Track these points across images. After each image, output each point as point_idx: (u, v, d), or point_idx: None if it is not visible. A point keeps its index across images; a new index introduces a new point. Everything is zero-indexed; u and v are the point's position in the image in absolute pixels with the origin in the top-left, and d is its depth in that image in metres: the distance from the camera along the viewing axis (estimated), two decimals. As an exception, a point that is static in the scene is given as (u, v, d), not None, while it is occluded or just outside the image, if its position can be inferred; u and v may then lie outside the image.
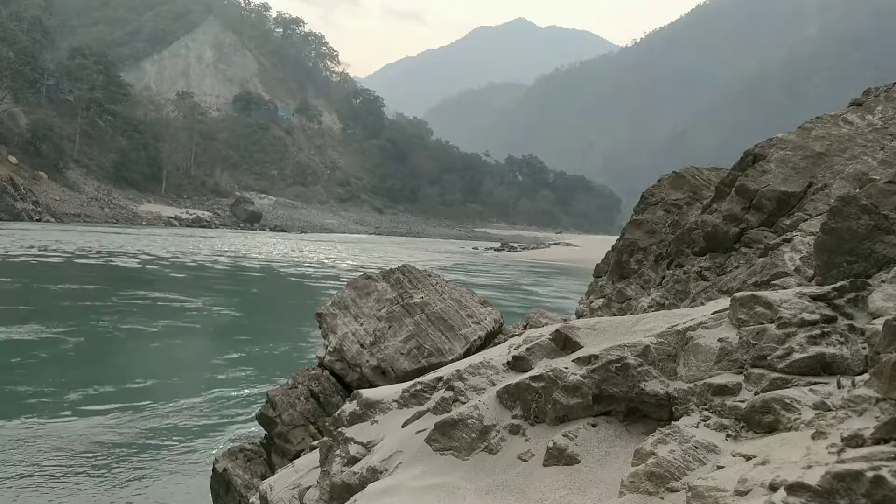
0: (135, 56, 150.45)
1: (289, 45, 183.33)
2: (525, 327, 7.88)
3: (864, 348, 3.06)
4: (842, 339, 3.13)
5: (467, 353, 6.96)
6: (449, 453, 3.80)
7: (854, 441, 2.25)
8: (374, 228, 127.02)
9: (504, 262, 64.55)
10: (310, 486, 4.86)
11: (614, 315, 6.64)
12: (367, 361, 7.38)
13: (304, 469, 5.37)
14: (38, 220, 73.47)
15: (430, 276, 8.14)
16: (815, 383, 2.97)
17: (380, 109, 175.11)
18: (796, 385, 2.99)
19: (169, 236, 68.58)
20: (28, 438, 11.27)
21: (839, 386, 2.86)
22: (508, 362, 4.34)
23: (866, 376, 2.69)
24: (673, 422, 3.17)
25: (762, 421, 2.84)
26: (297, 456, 6.68)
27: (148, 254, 46.85)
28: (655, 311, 5.74)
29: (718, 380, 3.27)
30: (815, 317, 3.22)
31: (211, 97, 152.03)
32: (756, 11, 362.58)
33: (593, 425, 3.54)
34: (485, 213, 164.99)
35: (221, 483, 7.49)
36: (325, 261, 53.26)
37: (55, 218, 78.04)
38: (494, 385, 4.16)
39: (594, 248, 42.76)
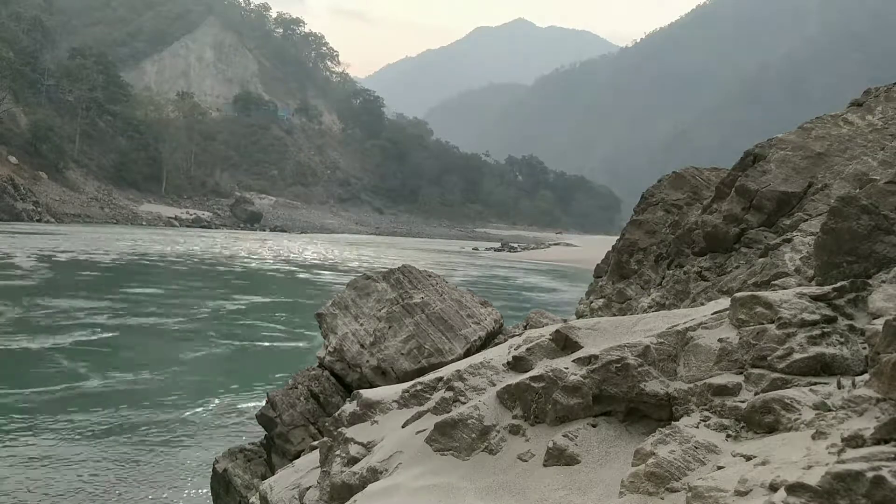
0: (135, 56, 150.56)
1: (289, 45, 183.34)
2: (525, 327, 7.87)
3: (864, 348, 3.06)
4: (842, 340, 3.13)
5: (467, 354, 6.96)
6: (449, 453, 3.80)
7: (854, 441, 2.25)
8: (374, 229, 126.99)
9: (504, 263, 64.53)
10: (310, 487, 4.86)
11: (614, 315, 6.64)
12: (368, 362, 7.38)
13: (304, 469, 5.37)
14: (38, 221, 73.45)
15: (430, 276, 8.14)
16: (816, 383, 2.96)
17: (380, 109, 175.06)
18: (796, 385, 2.99)
19: (168, 236, 68.57)
20: (28, 438, 11.28)
21: (839, 386, 2.86)
22: (508, 362, 4.33)
23: (866, 376, 2.68)
24: (673, 422, 3.17)
25: (762, 421, 2.84)
26: (297, 456, 6.68)
27: (146, 253, 46.85)
28: (655, 311, 5.74)
29: (718, 380, 3.27)
30: (816, 317, 3.22)
31: (211, 97, 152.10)
32: (756, 11, 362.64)
33: (593, 425, 3.54)
34: (485, 213, 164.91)
35: (221, 483, 7.49)
36: (325, 261, 53.26)
37: (55, 218, 78.01)
38: (494, 385, 4.15)
39: (594, 248, 42.79)
